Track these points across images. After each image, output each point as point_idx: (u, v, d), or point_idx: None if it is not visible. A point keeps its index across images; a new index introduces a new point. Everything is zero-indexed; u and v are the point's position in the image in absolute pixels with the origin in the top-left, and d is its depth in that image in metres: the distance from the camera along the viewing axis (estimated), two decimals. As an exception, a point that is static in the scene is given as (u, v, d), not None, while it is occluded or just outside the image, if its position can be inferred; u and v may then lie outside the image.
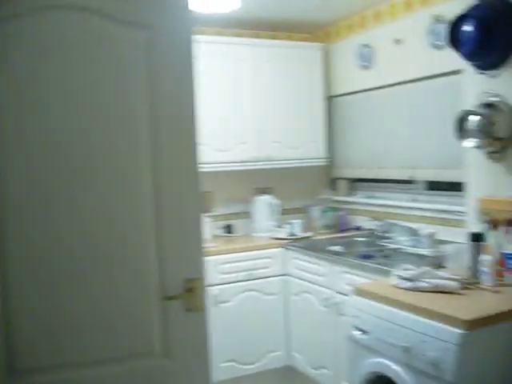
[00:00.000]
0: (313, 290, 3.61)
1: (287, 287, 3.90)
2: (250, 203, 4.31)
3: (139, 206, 1.88)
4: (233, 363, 3.77)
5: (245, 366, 3.82)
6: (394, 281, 2.56)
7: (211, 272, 3.59)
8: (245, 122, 4.06)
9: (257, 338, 3.83)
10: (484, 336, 2.10)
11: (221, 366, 3.69)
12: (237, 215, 4.37)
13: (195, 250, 1.99)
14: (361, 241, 3.92)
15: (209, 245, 3.69)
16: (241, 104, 4.04)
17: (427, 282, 2.43)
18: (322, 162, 4.43)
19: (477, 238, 2.61)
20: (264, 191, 4.38)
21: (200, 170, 2.01)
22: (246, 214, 4.36)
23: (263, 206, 4.24)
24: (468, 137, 2.60)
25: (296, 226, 4.07)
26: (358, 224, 4.26)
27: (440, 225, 3.44)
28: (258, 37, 4.39)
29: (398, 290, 2.49)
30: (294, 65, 4.26)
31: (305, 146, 4.31)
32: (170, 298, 1.92)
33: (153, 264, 1.90)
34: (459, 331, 2.04)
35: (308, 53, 4.34)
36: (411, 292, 2.44)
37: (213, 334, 3.54)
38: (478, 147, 2.62)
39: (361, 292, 2.61)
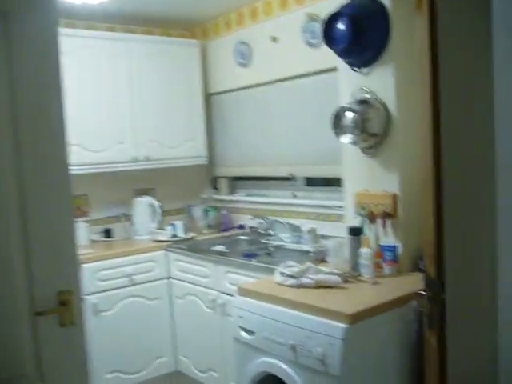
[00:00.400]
0: (197, 292, 3.53)
1: (171, 291, 3.79)
2: (130, 205, 4.15)
3: (1, 214, 1.69)
4: (118, 374, 3.60)
5: (131, 376, 3.66)
6: (277, 278, 2.55)
7: (89, 280, 3.41)
8: (121, 121, 3.88)
9: (142, 346, 3.68)
10: (366, 328, 2.14)
11: (105, 377, 3.52)
12: (116, 219, 4.18)
13: (68, 259, 1.84)
14: (244, 239, 3.91)
15: (85, 251, 3.50)
16: (116, 102, 3.86)
17: (310, 278, 2.44)
18: (202, 161, 4.36)
19: (355, 231, 2.67)
20: (144, 192, 4.23)
21: (72, 172, 1.86)
22: (126, 217, 4.19)
23: (143, 207, 4.09)
24: (344, 133, 2.64)
25: (178, 227, 3.97)
26: (241, 223, 4.24)
27: (321, 220, 3.51)
28: (132, 32, 4.22)
29: (282, 287, 2.49)
30: (171, 62, 4.15)
31: (184, 145, 4.21)
32: (42, 314, 1.76)
33: (20, 278, 1.72)
34: (343, 325, 2.06)
35: (185, 50, 4.25)
36: (295, 289, 2.44)
37: (94, 346, 3.38)
38: (353, 143, 2.68)
39: (245, 291, 2.57)
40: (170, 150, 4.12)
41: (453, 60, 1.66)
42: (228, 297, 3.21)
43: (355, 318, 2.08)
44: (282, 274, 2.54)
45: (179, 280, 3.71)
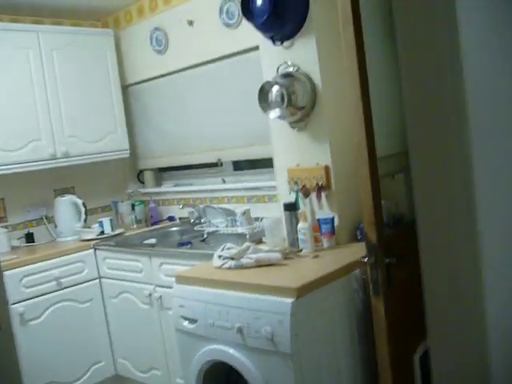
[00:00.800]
0: (131, 289, 3.37)
1: (103, 291, 3.59)
2: (51, 207, 3.91)
3: None
4: (54, 384, 3.39)
5: (67, 385, 3.45)
6: (215, 262, 2.46)
7: (13, 288, 3.19)
8: (35, 117, 3.63)
9: (77, 352, 3.47)
10: (313, 301, 2.08)
11: (39, 389, 3.30)
12: (38, 221, 3.94)
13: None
14: (176, 230, 3.79)
15: (6, 258, 3.26)
16: (29, 97, 3.60)
17: (250, 258, 2.37)
18: (124, 154, 4.16)
19: (291, 207, 2.62)
20: (65, 192, 4.01)
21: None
22: (49, 219, 3.96)
23: (66, 207, 3.86)
24: (271, 108, 2.58)
25: (105, 224, 3.78)
26: (171, 214, 4.11)
27: (253, 203, 3.45)
28: (41, 23, 3.98)
29: (222, 270, 2.40)
30: (84, 53, 3.93)
31: (105, 139, 4.00)
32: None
33: None
34: (290, 300, 1.99)
35: (98, 40, 4.04)
36: (236, 270, 2.36)
37: (25, 357, 3.15)
38: (281, 117, 2.61)
39: (183, 279, 2.46)
40: (89, 144, 3.91)
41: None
42: (165, 289, 3.08)
43: (301, 292, 2.02)
44: (220, 257, 2.45)
45: (111, 279, 3.53)
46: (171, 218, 4.08)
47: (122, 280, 3.44)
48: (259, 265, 2.35)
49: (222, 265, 2.41)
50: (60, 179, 4.03)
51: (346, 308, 2.24)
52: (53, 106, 3.72)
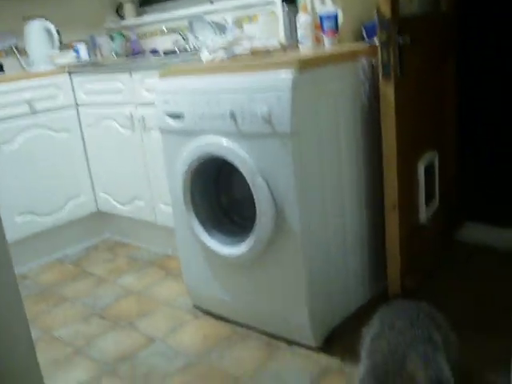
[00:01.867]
0: (112, 114, 3.09)
1: (81, 120, 3.32)
2: (22, 38, 3.54)
3: None
4: (31, 216, 3.17)
5: (46, 218, 3.24)
6: (205, 56, 2.18)
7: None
8: None
9: (54, 184, 3.25)
10: (316, 78, 1.84)
11: (16, 220, 3.10)
12: (7, 51, 3.58)
13: None
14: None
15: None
16: None
17: (244, 46, 2.10)
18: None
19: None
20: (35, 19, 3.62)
21: None
22: (20, 51, 3.59)
23: (38, 33, 3.49)
24: None
25: (81, 50, 3.45)
26: (154, 46, 3.76)
27: (246, 23, 3.11)
28: None
29: (214, 62, 2.13)
30: None
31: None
32: None
33: None
34: (291, 74, 1.74)
35: None
36: (229, 59, 2.09)
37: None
38: None
39: (168, 72, 2.19)
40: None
41: None
42: (147, 109, 2.81)
43: (303, 66, 1.77)
44: (210, 48, 2.16)
45: (89, 105, 3.22)
46: (154, 52, 3.74)
47: (100, 104, 3.15)
48: (255, 52, 2.08)
49: (213, 57, 2.14)
50: (30, 6, 3.62)
51: (351, 97, 2.01)
52: None
